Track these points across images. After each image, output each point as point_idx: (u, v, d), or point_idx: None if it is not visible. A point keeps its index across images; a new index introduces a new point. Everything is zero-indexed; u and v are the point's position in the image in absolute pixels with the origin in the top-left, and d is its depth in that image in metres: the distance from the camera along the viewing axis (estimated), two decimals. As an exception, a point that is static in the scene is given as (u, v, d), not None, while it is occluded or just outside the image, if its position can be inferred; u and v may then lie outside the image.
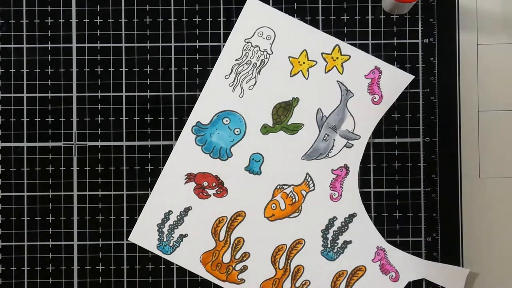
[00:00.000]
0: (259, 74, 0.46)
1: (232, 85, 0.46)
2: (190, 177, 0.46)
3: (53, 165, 0.47)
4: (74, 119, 0.47)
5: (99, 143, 0.47)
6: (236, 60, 0.47)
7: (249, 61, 0.46)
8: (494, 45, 0.48)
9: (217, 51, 0.47)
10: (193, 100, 0.47)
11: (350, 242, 0.46)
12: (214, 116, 0.46)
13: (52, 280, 0.47)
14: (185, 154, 0.46)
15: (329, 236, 0.46)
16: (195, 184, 0.46)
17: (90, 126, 0.47)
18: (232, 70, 0.46)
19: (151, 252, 0.46)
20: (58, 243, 0.47)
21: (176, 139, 0.47)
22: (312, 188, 0.46)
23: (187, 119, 0.47)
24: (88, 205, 0.47)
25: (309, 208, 0.46)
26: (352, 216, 0.46)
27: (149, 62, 0.47)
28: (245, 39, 0.47)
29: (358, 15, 0.47)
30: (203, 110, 0.46)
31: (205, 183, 0.46)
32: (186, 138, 0.46)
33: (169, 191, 0.46)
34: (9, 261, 0.47)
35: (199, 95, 0.47)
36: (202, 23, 0.47)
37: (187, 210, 0.46)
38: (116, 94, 0.47)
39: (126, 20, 0.47)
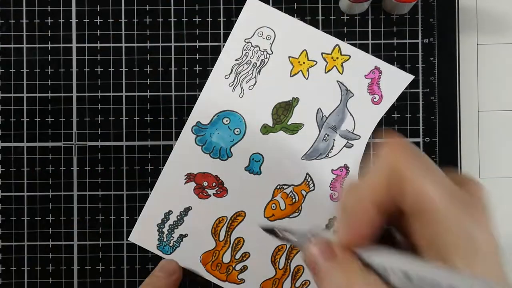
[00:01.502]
0: (259, 74, 0.46)
1: (232, 85, 0.46)
2: (190, 177, 0.46)
3: (53, 165, 0.47)
4: (74, 119, 0.47)
5: (99, 143, 0.47)
6: (236, 60, 0.46)
7: (249, 61, 0.46)
8: (494, 45, 0.48)
9: (217, 51, 0.47)
10: (193, 100, 0.47)
11: None
12: (214, 116, 0.46)
13: (52, 280, 0.47)
14: (185, 154, 0.46)
15: None
16: (195, 184, 0.46)
17: (90, 126, 0.47)
18: (232, 70, 0.46)
19: (151, 252, 0.46)
20: (58, 243, 0.47)
21: (176, 139, 0.47)
22: (312, 188, 0.46)
23: (187, 119, 0.47)
24: (88, 205, 0.47)
25: (309, 208, 0.46)
26: None
27: (149, 62, 0.47)
28: (245, 39, 0.47)
29: (358, 15, 0.47)
30: (203, 110, 0.46)
31: (205, 183, 0.46)
32: (186, 138, 0.46)
33: (169, 191, 0.46)
34: (9, 261, 0.47)
35: (199, 95, 0.47)
36: (202, 23, 0.47)
37: (187, 210, 0.46)
38: (116, 94, 0.47)
39: (126, 20, 0.47)
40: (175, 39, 0.47)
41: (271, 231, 0.30)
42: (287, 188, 0.46)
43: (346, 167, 0.46)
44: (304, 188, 0.46)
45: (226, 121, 0.46)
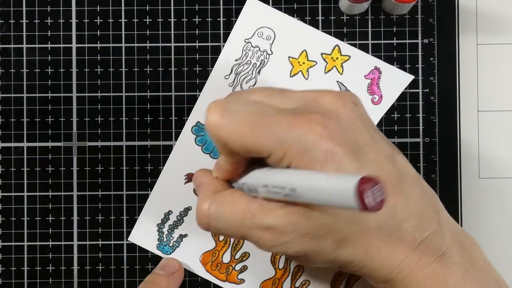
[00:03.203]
0: (259, 74, 0.46)
1: (232, 85, 0.46)
2: (190, 177, 0.46)
3: (53, 165, 0.47)
4: (74, 119, 0.47)
5: (99, 143, 0.47)
6: (236, 60, 0.46)
7: (249, 61, 0.46)
8: (494, 45, 0.48)
9: (217, 51, 0.47)
10: (193, 100, 0.47)
11: None
12: None
13: (52, 280, 0.47)
14: (185, 154, 0.46)
15: None
16: None
17: (90, 126, 0.47)
18: (232, 70, 0.46)
19: (151, 252, 0.46)
20: (58, 243, 0.47)
21: (176, 139, 0.47)
22: None
23: (187, 119, 0.47)
24: (88, 205, 0.47)
25: None
26: None
27: (149, 62, 0.47)
28: (245, 39, 0.47)
29: (358, 15, 0.47)
30: (203, 110, 0.46)
31: None
32: (186, 138, 0.46)
33: (169, 191, 0.46)
34: (9, 261, 0.47)
35: (199, 95, 0.47)
36: (202, 23, 0.47)
37: (187, 210, 0.46)
38: (116, 94, 0.47)
39: (126, 20, 0.47)
40: (175, 39, 0.47)
41: None
42: None
43: None
44: None
45: None
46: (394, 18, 0.47)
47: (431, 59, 0.47)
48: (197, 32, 0.47)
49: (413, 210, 0.30)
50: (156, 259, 0.47)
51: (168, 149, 0.47)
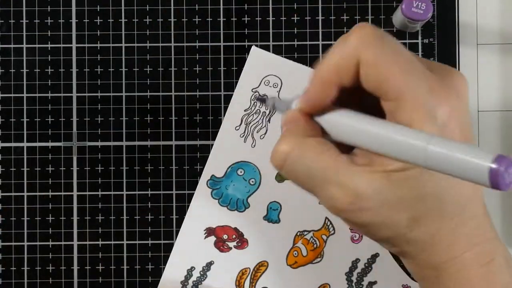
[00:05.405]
0: (269, 122, 0.46)
1: (243, 135, 0.46)
2: (209, 231, 0.46)
3: (53, 165, 0.47)
4: (74, 119, 0.47)
5: (99, 143, 0.47)
6: (245, 110, 0.46)
7: (258, 111, 0.46)
8: (494, 45, 0.48)
9: (217, 51, 0.47)
10: (193, 100, 0.47)
11: (375, 282, 0.45)
12: (228, 168, 0.46)
13: (52, 280, 0.47)
14: (203, 209, 0.46)
15: (354, 278, 0.45)
16: (215, 238, 0.46)
17: (90, 126, 0.47)
18: (242, 120, 0.46)
19: (151, 252, 0.46)
20: (58, 243, 0.47)
21: (176, 139, 0.47)
22: (332, 232, 0.46)
23: (187, 119, 0.47)
24: (88, 205, 0.47)
25: (331, 252, 0.46)
26: (374, 257, 0.45)
27: (149, 62, 0.47)
28: (252, 89, 0.46)
29: (358, 15, 0.47)
30: (217, 163, 0.46)
31: (225, 236, 0.46)
32: (202, 193, 0.46)
33: (190, 247, 0.46)
34: (9, 261, 0.47)
35: (199, 95, 0.47)
36: (202, 23, 0.47)
37: (209, 265, 0.46)
38: (116, 94, 0.47)
39: (126, 20, 0.47)
40: (175, 39, 0.47)
41: (262, 100, 0.38)
42: (307, 234, 0.46)
43: None
44: (324, 233, 0.46)
45: (241, 172, 0.46)
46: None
47: (431, 59, 0.47)
48: (197, 32, 0.47)
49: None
50: (156, 259, 0.46)
51: (168, 149, 0.47)
